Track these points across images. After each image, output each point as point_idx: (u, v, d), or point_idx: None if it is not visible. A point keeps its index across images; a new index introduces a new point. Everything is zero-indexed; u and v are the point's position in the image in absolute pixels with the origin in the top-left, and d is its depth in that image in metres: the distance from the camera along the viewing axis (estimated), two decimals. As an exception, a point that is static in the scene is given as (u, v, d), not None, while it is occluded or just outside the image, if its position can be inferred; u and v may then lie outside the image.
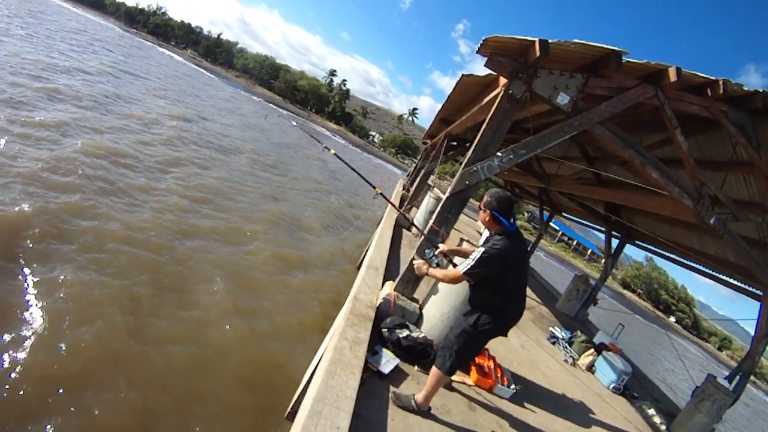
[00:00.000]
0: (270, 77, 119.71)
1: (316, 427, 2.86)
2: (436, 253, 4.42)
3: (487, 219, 3.84)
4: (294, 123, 15.32)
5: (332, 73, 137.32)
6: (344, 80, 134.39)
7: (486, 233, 5.40)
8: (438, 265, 4.38)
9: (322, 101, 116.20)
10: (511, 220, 3.75)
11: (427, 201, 12.57)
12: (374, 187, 5.08)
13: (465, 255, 4.49)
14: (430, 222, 5.34)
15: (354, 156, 69.25)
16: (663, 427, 7.06)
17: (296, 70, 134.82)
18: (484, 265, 3.61)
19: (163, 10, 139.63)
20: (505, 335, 4.06)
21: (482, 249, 3.66)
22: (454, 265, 4.37)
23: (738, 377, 7.56)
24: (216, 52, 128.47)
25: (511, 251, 3.67)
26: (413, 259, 4.90)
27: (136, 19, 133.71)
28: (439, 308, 5.17)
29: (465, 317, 4.05)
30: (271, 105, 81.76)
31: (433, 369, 3.91)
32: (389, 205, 14.74)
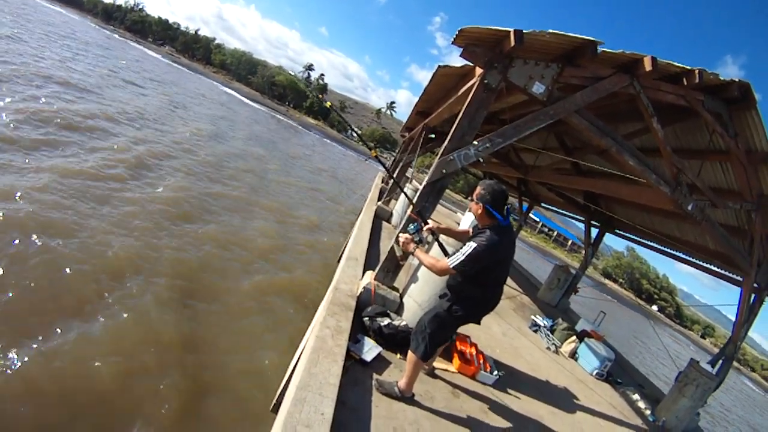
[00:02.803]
0: (247, 73, 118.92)
1: (301, 413, 2.86)
2: (424, 228, 4.31)
3: (480, 212, 3.76)
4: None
5: (309, 67, 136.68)
6: (322, 75, 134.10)
7: (468, 220, 5.38)
8: (421, 241, 4.25)
9: (300, 96, 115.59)
10: (504, 214, 3.69)
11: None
12: (370, 149, 5.09)
13: (455, 236, 4.53)
14: (408, 211, 5.36)
15: (332, 150, 68.90)
16: (648, 412, 7.19)
17: (274, 66, 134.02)
18: (475, 261, 3.54)
19: (140, 7, 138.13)
20: (478, 323, 4.07)
21: (474, 244, 3.55)
22: (440, 244, 4.35)
23: (720, 362, 7.69)
24: (194, 48, 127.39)
25: (501, 246, 3.63)
26: (397, 237, 4.86)
27: (113, 16, 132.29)
28: (419, 296, 5.20)
29: (440, 299, 4.05)
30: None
31: (409, 353, 3.91)
32: (368, 197, 14.79)
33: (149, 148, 16.08)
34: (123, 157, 13.66)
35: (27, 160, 10.28)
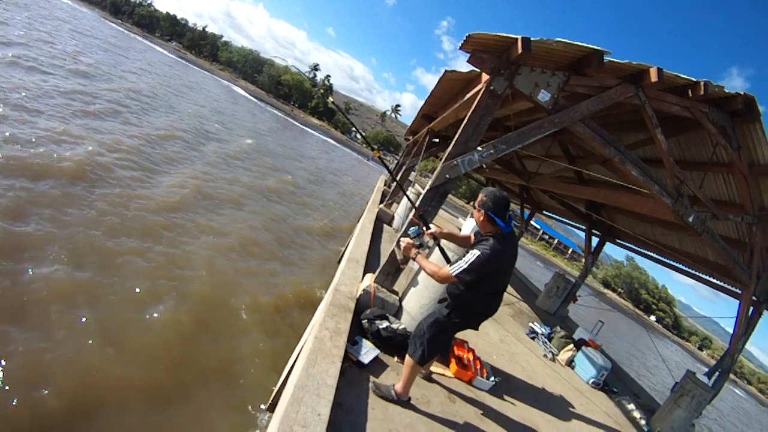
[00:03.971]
0: (254, 71, 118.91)
1: (297, 413, 2.87)
2: (426, 233, 4.27)
3: (482, 219, 3.71)
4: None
5: (315, 67, 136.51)
6: (328, 76, 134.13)
7: (470, 225, 5.33)
8: (421, 245, 4.23)
9: (306, 96, 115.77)
10: (506, 221, 3.65)
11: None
12: (373, 149, 5.10)
13: (457, 241, 4.45)
14: (410, 215, 5.36)
15: (337, 152, 69.05)
16: (643, 422, 7.18)
17: (281, 65, 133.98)
18: (477, 270, 3.49)
19: (149, 2, 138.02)
20: (476, 329, 4.06)
21: (476, 252, 3.50)
22: (441, 249, 4.25)
23: (717, 374, 7.68)
24: (201, 45, 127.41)
25: (503, 255, 3.59)
26: (398, 241, 4.84)
27: (121, 10, 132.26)
28: (419, 300, 5.19)
29: (439, 304, 4.03)
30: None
31: (407, 358, 3.89)
32: (370, 199, 14.81)
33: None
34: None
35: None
